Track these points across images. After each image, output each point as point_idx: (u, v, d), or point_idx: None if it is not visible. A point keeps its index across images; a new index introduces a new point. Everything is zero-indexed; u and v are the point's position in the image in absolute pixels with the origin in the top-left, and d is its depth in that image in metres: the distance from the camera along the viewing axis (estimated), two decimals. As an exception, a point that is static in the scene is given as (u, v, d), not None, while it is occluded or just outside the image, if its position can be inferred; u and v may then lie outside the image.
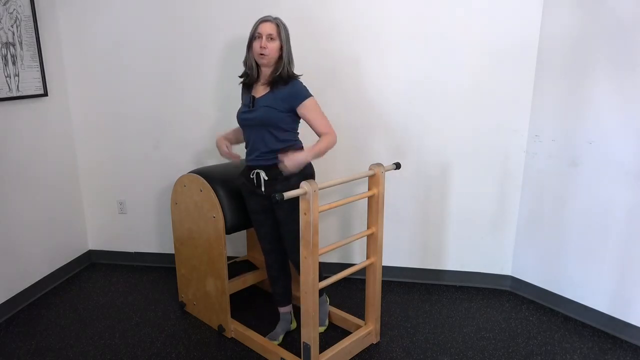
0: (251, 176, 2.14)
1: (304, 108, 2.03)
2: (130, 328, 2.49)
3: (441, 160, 2.76)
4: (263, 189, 2.11)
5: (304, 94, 2.03)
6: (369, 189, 2.16)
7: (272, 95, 2.04)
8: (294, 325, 2.43)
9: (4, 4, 2.55)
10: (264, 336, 2.32)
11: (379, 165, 2.12)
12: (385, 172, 2.20)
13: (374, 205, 2.16)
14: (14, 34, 2.61)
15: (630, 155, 2.24)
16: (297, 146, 2.12)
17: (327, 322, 2.44)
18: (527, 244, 2.74)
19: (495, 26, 2.54)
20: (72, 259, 3.15)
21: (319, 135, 2.06)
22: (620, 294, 2.37)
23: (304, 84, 2.08)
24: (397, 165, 2.24)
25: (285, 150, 2.05)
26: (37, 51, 2.76)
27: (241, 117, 2.13)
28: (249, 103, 2.09)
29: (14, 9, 2.61)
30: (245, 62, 2.11)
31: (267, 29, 1.99)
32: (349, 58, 2.71)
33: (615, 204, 2.32)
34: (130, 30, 2.89)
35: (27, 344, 2.36)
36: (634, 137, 2.22)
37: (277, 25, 2.01)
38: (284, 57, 2.03)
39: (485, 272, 2.89)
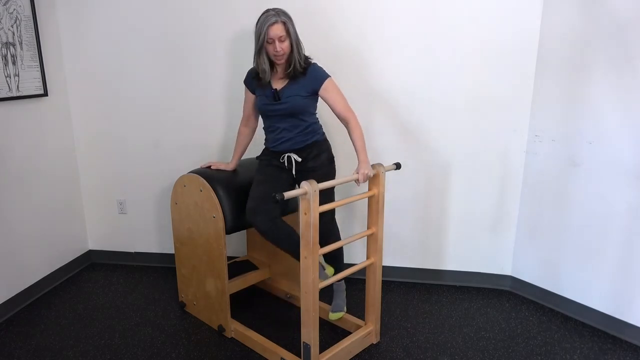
0: (281, 160, 2.25)
1: (324, 90, 2.14)
2: (130, 328, 2.49)
3: (441, 160, 2.76)
4: (294, 172, 2.25)
5: (323, 76, 2.15)
6: (369, 189, 2.17)
7: (296, 85, 2.14)
8: (329, 271, 2.27)
9: (4, 4, 2.55)
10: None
11: (379, 165, 2.12)
12: (386, 172, 2.20)
13: (374, 205, 2.16)
14: (14, 34, 2.61)
15: (630, 155, 2.24)
16: (318, 127, 2.28)
17: (345, 308, 2.38)
18: (527, 244, 2.74)
19: (496, 26, 2.54)
20: (72, 259, 3.15)
21: (340, 116, 2.16)
22: (620, 294, 2.37)
23: (318, 65, 2.18)
24: (397, 166, 2.24)
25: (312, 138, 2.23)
26: (37, 51, 2.76)
27: (267, 108, 2.20)
28: (272, 96, 2.17)
29: (14, 9, 2.61)
30: (258, 67, 2.14)
31: (277, 31, 2.03)
32: (349, 58, 2.71)
33: (615, 203, 2.32)
34: (130, 30, 2.89)
35: (27, 344, 2.36)
36: (634, 137, 2.22)
37: (284, 24, 2.05)
38: (294, 49, 2.10)
39: (485, 272, 2.89)
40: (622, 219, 2.31)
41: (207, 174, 2.34)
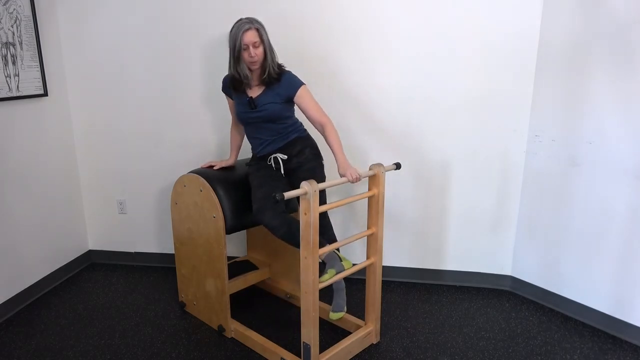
0: (269, 162, 2.32)
1: (298, 97, 2.21)
2: (130, 328, 2.49)
3: (441, 160, 2.76)
4: (283, 170, 2.30)
5: (298, 83, 2.21)
6: (369, 189, 2.16)
7: (271, 92, 2.21)
8: (346, 264, 2.16)
9: (4, 4, 2.55)
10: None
11: (379, 165, 2.12)
12: (386, 172, 2.20)
13: (374, 206, 2.16)
14: (14, 34, 2.61)
15: (630, 155, 2.24)
16: (298, 125, 2.33)
17: (345, 308, 2.29)
18: (527, 244, 2.74)
19: (496, 26, 2.54)
20: (72, 259, 3.15)
21: (315, 121, 2.20)
22: (620, 294, 2.37)
23: (292, 72, 2.25)
24: (398, 166, 2.24)
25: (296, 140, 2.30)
26: (37, 51, 2.76)
27: (245, 116, 2.28)
28: (248, 104, 2.23)
29: (14, 9, 2.61)
30: (239, 73, 2.20)
31: (251, 37, 2.12)
32: (350, 59, 2.71)
33: (615, 203, 2.32)
34: (130, 30, 2.89)
35: (27, 344, 2.36)
36: (634, 137, 2.22)
37: (258, 30, 2.13)
38: (267, 55, 2.17)
39: (485, 272, 2.89)
40: (622, 219, 2.31)
41: (207, 173, 2.34)
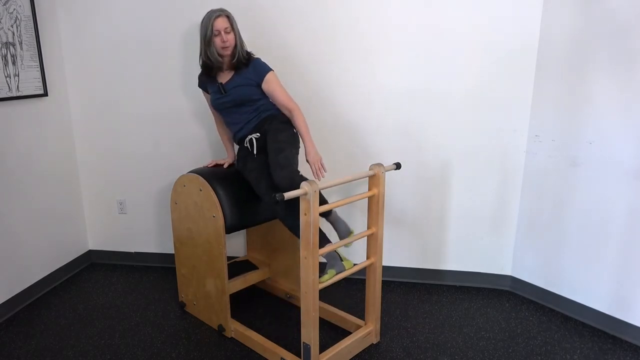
0: (245, 145, 2.38)
1: (266, 83, 2.30)
2: (130, 328, 2.49)
3: (441, 160, 2.76)
4: (256, 151, 2.33)
5: (265, 69, 2.31)
6: (369, 189, 2.16)
7: (239, 77, 2.32)
8: (347, 264, 2.12)
9: (4, 4, 2.55)
10: (264, 335, 2.32)
11: (379, 165, 2.12)
12: (386, 173, 2.20)
13: (374, 206, 2.16)
14: (14, 34, 2.61)
15: (630, 155, 2.24)
16: (270, 105, 2.36)
17: (351, 228, 2.23)
18: (527, 244, 2.74)
19: (496, 26, 2.54)
20: (72, 259, 3.15)
21: (283, 107, 2.31)
22: (620, 294, 2.37)
23: (261, 59, 2.34)
24: (398, 166, 2.24)
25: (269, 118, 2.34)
26: (37, 51, 2.76)
27: (217, 102, 2.37)
28: (219, 90, 2.34)
29: (14, 9, 2.61)
30: (209, 58, 2.29)
31: (223, 24, 2.23)
32: (350, 59, 2.71)
33: (615, 203, 2.32)
34: (130, 30, 2.89)
35: (27, 344, 2.36)
36: (634, 137, 2.22)
37: (228, 17, 2.26)
38: (237, 42, 2.28)
39: (485, 272, 2.89)
40: (622, 219, 2.31)
41: (207, 173, 2.34)
